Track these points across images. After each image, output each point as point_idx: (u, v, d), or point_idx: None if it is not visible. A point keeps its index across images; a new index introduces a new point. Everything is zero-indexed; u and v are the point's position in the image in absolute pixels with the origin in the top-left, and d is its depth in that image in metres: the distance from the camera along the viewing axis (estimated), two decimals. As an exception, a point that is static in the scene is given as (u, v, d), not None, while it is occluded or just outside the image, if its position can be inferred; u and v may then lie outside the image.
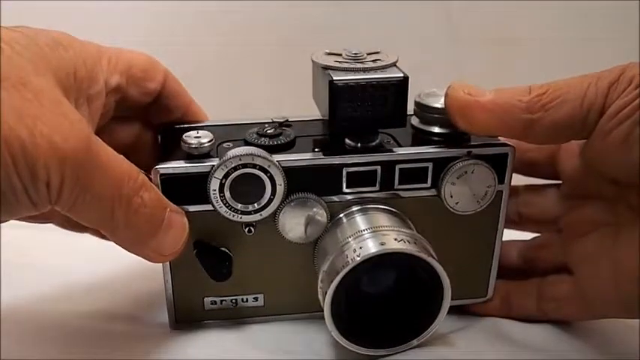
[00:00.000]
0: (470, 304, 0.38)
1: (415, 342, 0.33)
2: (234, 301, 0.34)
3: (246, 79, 0.64)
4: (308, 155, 0.32)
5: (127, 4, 0.61)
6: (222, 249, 0.33)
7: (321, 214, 0.33)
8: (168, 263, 0.33)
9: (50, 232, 0.38)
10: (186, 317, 0.34)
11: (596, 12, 0.61)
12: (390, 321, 0.33)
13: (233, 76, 0.64)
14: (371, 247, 0.30)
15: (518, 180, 0.37)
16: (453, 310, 0.36)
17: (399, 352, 0.33)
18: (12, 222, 0.27)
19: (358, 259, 0.29)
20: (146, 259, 0.31)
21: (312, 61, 0.34)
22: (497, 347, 0.35)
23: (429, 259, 0.30)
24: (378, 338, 0.33)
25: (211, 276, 0.33)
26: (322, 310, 0.31)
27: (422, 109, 0.34)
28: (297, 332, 0.35)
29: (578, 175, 0.36)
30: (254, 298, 0.34)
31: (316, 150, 0.33)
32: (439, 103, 0.34)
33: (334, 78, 0.31)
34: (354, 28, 0.66)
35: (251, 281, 0.34)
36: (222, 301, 0.34)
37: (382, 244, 0.30)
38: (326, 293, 0.30)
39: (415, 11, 0.65)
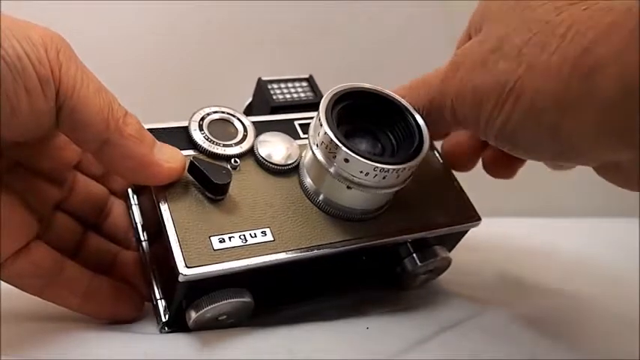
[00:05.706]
0: (468, 228, 0.39)
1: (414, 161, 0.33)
2: (242, 237, 0.34)
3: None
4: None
5: (128, 4, 0.61)
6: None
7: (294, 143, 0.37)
8: (167, 207, 0.33)
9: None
10: (197, 261, 0.32)
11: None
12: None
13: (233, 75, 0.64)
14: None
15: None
16: (453, 303, 0.38)
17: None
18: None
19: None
20: (153, 176, 0.32)
21: None
22: (496, 347, 0.35)
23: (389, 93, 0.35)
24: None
25: (209, 187, 0.33)
26: (334, 242, 0.34)
27: None
28: (300, 333, 0.35)
29: None
30: (262, 232, 0.34)
31: None
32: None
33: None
34: (355, 29, 0.66)
35: (252, 216, 0.34)
36: (230, 237, 0.33)
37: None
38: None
39: (415, 11, 0.65)
